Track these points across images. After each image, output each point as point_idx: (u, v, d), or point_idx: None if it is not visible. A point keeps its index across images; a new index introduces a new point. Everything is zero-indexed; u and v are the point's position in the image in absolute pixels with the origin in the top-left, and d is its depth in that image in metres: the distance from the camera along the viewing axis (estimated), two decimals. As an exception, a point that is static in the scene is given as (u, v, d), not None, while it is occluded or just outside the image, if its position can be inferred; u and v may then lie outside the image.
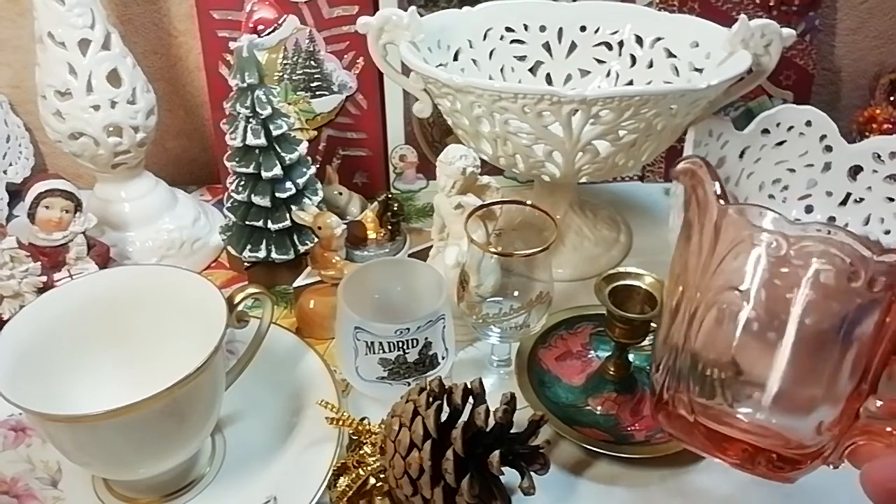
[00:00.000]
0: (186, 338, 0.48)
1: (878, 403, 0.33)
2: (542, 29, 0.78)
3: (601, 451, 0.53)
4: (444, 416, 0.47)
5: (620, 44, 0.77)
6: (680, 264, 0.40)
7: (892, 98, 0.85)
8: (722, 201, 0.35)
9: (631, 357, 0.59)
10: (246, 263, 0.72)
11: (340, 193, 0.79)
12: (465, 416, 0.46)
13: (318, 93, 0.83)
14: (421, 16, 0.69)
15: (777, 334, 0.35)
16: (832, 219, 0.72)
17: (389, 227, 0.74)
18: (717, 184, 0.36)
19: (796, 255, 0.33)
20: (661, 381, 0.41)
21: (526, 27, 0.78)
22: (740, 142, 0.71)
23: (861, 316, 0.33)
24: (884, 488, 0.30)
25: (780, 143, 0.71)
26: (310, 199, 0.71)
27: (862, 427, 0.34)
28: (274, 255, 0.70)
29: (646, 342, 0.57)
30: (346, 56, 0.82)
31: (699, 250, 0.36)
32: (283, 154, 0.68)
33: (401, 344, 0.52)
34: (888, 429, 0.33)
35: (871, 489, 0.30)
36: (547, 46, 0.79)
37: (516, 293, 0.56)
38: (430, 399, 0.47)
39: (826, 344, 0.34)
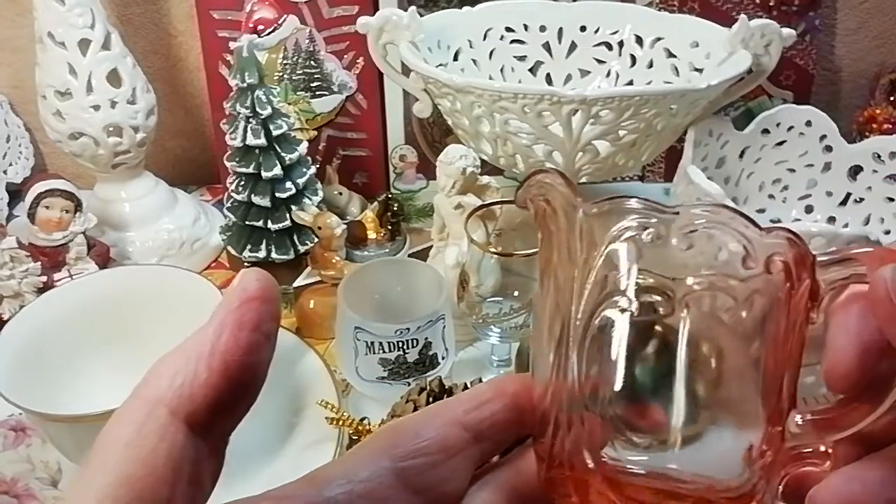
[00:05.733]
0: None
1: (799, 420, 0.25)
2: (542, 29, 0.78)
3: (601, 451, 0.53)
4: (444, 416, 0.47)
5: (620, 44, 0.77)
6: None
7: (892, 98, 0.85)
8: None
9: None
10: (246, 263, 0.72)
11: (340, 193, 0.79)
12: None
13: (318, 93, 0.83)
14: (421, 16, 0.69)
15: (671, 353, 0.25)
16: (832, 219, 0.72)
17: (389, 227, 0.74)
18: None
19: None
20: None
21: (526, 27, 0.78)
22: (740, 142, 0.70)
23: (767, 313, 0.25)
24: None
25: (780, 143, 0.71)
26: (310, 199, 0.71)
27: (792, 453, 0.26)
28: (274, 255, 0.70)
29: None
30: (346, 56, 0.82)
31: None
32: (283, 154, 0.68)
33: (401, 344, 0.52)
34: (822, 448, 0.25)
35: None
36: (547, 46, 0.79)
37: (516, 293, 0.56)
38: (430, 399, 0.47)
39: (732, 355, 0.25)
